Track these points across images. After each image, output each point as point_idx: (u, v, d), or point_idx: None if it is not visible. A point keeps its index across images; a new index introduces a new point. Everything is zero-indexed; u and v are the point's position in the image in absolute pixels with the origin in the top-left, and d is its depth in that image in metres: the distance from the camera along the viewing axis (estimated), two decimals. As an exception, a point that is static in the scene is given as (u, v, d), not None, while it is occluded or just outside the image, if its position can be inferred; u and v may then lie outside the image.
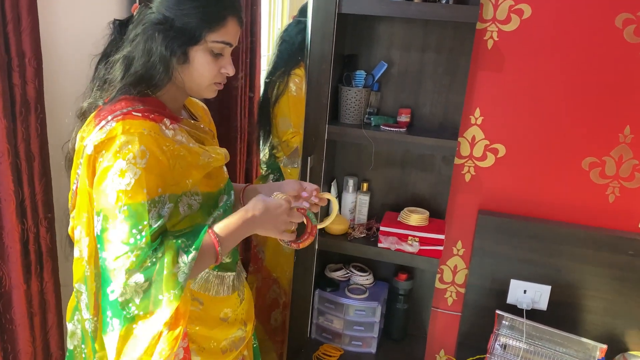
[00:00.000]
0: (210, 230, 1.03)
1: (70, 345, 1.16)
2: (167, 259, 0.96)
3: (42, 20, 1.23)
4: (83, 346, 1.13)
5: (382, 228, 1.83)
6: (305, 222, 1.20)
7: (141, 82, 1.03)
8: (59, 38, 1.37)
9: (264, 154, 2.20)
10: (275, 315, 2.16)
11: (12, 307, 1.28)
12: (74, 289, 1.10)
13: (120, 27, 1.08)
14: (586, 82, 1.73)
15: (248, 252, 2.20)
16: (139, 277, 0.96)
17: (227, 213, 1.13)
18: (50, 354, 1.39)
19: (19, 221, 1.24)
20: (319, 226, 1.25)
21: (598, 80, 1.72)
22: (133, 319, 0.98)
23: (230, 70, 1.11)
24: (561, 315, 1.84)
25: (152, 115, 1.02)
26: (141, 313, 0.98)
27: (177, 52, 1.03)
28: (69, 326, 1.15)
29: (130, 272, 0.95)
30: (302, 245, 1.20)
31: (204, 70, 1.07)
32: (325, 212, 2.01)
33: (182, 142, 1.06)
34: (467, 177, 1.92)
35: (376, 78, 1.87)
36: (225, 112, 1.97)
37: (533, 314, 1.82)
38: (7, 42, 1.16)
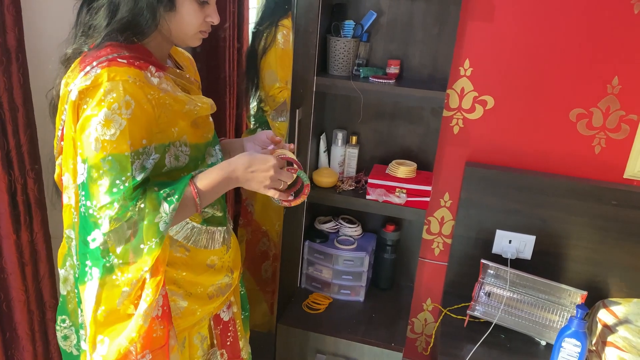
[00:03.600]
0: (191, 182, 1.04)
1: (63, 290, 1.19)
2: (148, 209, 0.98)
3: (18, -35, 1.20)
4: (77, 291, 1.15)
5: (370, 180, 1.85)
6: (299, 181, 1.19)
7: (127, 29, 1.02)
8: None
9: (252, 107, 2.19)
10: (266, 266, 2.20)
11: (2, 257, 1.29)
12: (65, 235, 1.12)
13: None
14: (575, 33, 1.72)
15: (238, 205, 2.22)
16: (122, 227, 0.98)
17: None
18: (44, 302, 1.42)
19: (6, 172, 1.24)
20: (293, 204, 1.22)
21: (587, 31, 1.70)
22: (112, 268, 1.01)
23: (215, 19, 1.10)
24: (545, 264, 1.88)
25: (138, 63, 1.01)
26: (121, 262, 1.00)
27: None
28: (61, 272, 1.18)
29: (113, 221, 0.97)
30: (293, 204, 1.19)
31: (190, 18, 1.06)
32: (315, 165, 2.02)
33: (168, 90, 1.06)
34: (456, 130, 1.92)
35: (365, 28, 1.84)
36: (212, 63, 1.94)
37: (517, 263, 1.87)
38: (-16, -11, 1.13)
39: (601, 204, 1.78)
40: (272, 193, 1.13)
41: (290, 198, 1.18)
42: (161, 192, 1.00)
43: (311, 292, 2.04)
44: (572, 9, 1.69)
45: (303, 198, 1.20)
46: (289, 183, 1.15)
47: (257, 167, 1.08)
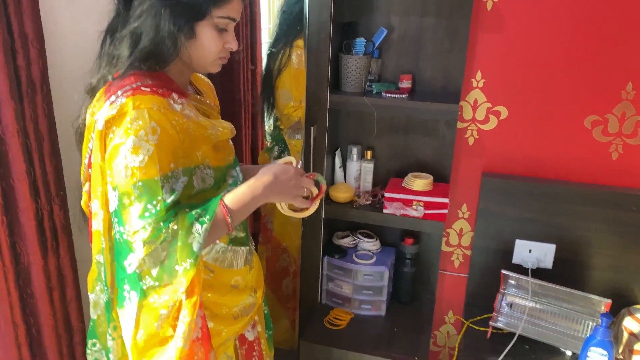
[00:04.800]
0: (221, 201, 1.06)
1: (93, 315, 1.21)
2: (181, 231, 1.00)
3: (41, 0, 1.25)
4: (107, 315, 1.18)
5: (386, 194, 1.86)
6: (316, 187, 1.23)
7: (150, 58, 1.05)
8: (59, 17, 1.38)
9: (268, 125, 2.22)
10: (286, 283, 2.21)
11: (31, 283, 1.32)
12: (95, 261, 1.15)
13: (125, 2, 1.09)
14: (587, 40, 1.72)
15: (257, 223, 2.24)
16: (156, 249, 1.00)
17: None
18: (71, 325, 1.45)
19: (33, 200, 1.28)
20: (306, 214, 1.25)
21: (599, 38, 1.71)
22: (149, 291, 1.03)
23: (234, 45, 1.13)
24: (566, 272, 1.86)
25: (161, 90, 1.04)
26: (157, 284, 1.02)
27: (184, 27, 1.04)
28: (91, 297, 1.20)
29: (147, 244, 1.00)
30: (312, 209, 1.22)
31: (209, 45, 1.09)
32: (331, 181, 2.04)
33: (190, 116, 1.09)
34: (471, 141, 1.93)
35: (376, 45, 1.87)
36: (227, 85, 1.98)
37: (539, 273, 1.85)
38: (9, 25, 1.17)
39: (621, 210, 1.77)
40: (300, 202, 1.16)
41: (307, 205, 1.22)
42: (193, 212, 1.03)
43: (332, 308, 2.04)
44: (582, 16, 1.70)
45: (320, 197, 1.23)
46: (311, 188, 1.18)
47: (282, 177, 1.13)
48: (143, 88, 1.02)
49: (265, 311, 1.45)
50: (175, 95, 1.07)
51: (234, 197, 1.08)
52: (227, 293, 1.22)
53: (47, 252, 1.35)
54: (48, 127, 1.30)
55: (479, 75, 1.84)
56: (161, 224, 1.00)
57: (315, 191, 1.20)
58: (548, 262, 1.87)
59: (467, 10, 1.72)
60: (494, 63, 1.82)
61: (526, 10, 1.74)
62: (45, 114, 1.29)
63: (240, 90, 2.03)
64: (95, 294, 1.19)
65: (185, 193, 1.08)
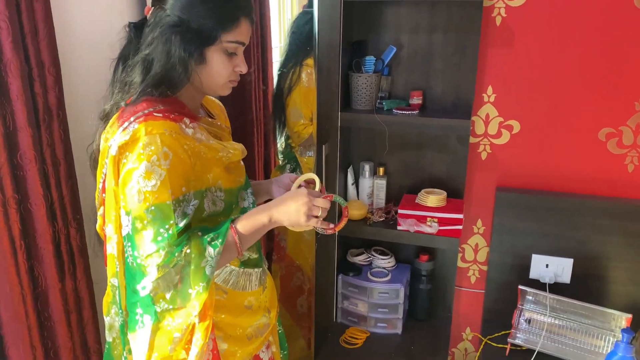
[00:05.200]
0: (232, 225, 1.07)
1: (109, 337, 1.22)
2: (194, 254, 1.01)
3: (57, 29, 1.28)
4: (122, 337, 1.19)
5: (400, 211, 1.85)
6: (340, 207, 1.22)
7: (161, 83, 1.07)
8: (74, 45, 1.41)
9: (280, 143, 2.24)
10: (301, 301, 2.21)
11: (49, 306, 1.34)
12: (109, 284, 1.16)
13: (136, 30, 1.11)
14: (597, 52, 1.71)
15: (271, 242, 2.24)
16: (169, 273, 1.01)
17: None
18: (88, 347, 1.46)
19: (50, 224, 1.30)
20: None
21: (609, 50, 1.70)
22: (164, 314, 1.03)
23: (243, 69, 1.14)
24: (585, 287, 1.83)
25: (173, 115, 1.06)
26: (171, 307, 1.03)
27: (194, 53, 1.06)
28: (107, 319, 1.21)
29: (161, 268, 1.01)
30: (337, 229, 1.21)
31: (219, 69, 1.10)
32: (343, 198, 2.03)
33: (202, 139, 1.10)
34: (484, 155, 1.92)
35: (386, 62, 1.88)
36: (240, 106, 2.00)
37: (556, 288, 1.82)
38: (27, 54, 1.21)
39: (639, 223, 1.74)
40: (314, 222, 1.13)
41: (332, 226, 1.20)
42: (205, 237, 1.04)
43: (347, 327, 2.03)
44: (594, 28, 1.69)
45: (344, 221, 1.22)
46: (327, 208, 1.15)
47: (290, 199, 1.11)
48: (155, 114, 1.03)
49: (280, 331, 1.45)
50: (187, 120, 1.08)
51: (245, 221, 1.09)
52: (241, 314, 1.22)
53: (64, 275, 1.37)
54: (64, 152, 1.33)
55: (490, 90, 1.84)
56: (174, 248, 1.01)
57: (327, 205, 1.17)
58: (566, 277, 1.84)
59: (477, 26, 1.73)
60: (505, 77, 1.82)
61: (536, 24, 1.74)
62: (61, 139, 1.32)
63: (252, 111, 2.05)
64: (111, 317, 1.20)
65: (196, 217, 1.09)
